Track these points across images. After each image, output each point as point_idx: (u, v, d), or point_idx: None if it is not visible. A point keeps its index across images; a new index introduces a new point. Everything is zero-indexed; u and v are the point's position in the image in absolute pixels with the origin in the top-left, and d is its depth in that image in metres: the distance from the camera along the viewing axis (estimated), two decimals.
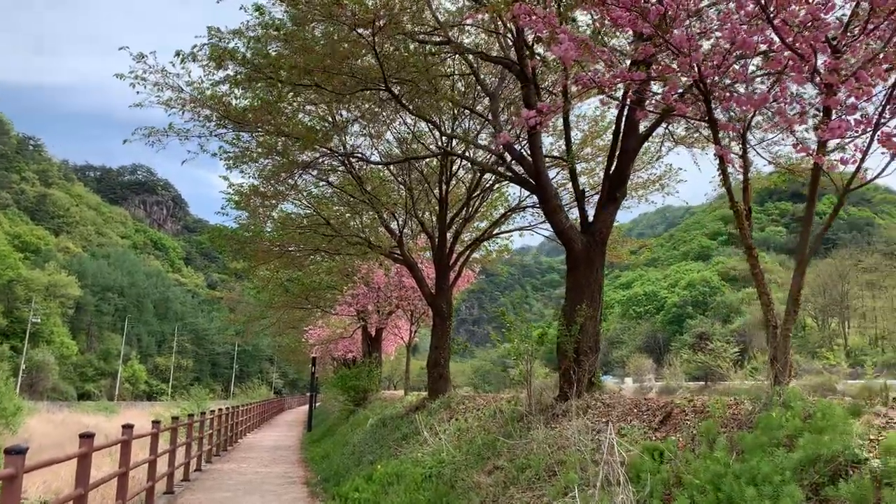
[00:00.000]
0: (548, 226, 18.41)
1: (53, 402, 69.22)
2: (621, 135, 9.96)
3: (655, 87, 6.91)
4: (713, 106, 6.03)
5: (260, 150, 13.69)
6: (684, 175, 15.65)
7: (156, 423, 12.11)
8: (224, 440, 24.22)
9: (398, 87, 10.48)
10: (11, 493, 5.81)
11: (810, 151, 5.54)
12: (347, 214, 19.92)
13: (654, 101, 6.35)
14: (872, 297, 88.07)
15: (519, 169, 10.96)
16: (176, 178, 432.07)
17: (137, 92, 10.56)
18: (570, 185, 13.91)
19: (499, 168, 11.58)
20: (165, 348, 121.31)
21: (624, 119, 9.92)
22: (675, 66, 5.57)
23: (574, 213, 11.87)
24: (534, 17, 5.63)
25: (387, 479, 11.77)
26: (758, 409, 6.01)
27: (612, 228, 11.17)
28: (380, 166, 18.57)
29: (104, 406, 66.79)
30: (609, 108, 9.99)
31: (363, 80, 9.57)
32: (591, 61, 5.60)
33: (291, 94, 10.29)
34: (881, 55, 5.08)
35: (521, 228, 18.41)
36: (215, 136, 11.87)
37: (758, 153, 7.88)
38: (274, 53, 9.25)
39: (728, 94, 5.63)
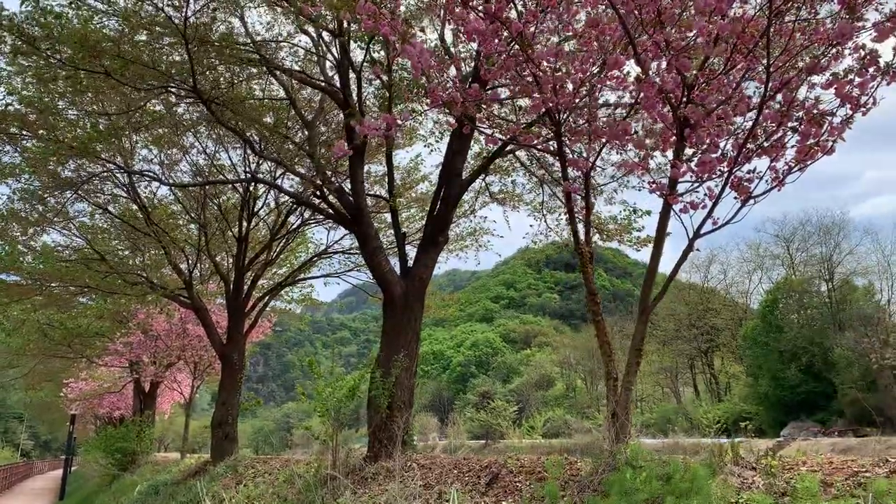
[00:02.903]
0: (355, 273, 17.64)
1: None
2: (447, 176, 9.47)
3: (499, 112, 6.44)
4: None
5: (24, 164, 11.50)
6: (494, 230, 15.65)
7: None
8: None
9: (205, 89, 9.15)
10: None
11: (664, 191, 5.26)
12: (127, 252, 17.65)
13: (500, 128, 5.87)
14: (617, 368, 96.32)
15: (336, 203, 10.06)
16: None
17: None
18: (389, 230, 13.28)
19: (314, 200, 10.59)
20: None
21: (450, 160, 9.46)
22: (531, 88, 5.06)
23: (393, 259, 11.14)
24: (381, 21, 4.88)
25: None
26: (601, 470, 5.50)
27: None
28: (170, 199, 16.75)
29: None
30: (430, 153, 9.51)
31: (166, 75, 8.18)
32: (443, 69, 4.94)
33: (71, 82, 8.54)
34: (736, 96, 4.91)
35: (327, 275, 17.33)
36: None
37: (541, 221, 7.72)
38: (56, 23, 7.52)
39: (586, 122, 5.23)
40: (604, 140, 5.64)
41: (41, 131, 9.65)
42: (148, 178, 13.20)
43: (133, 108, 10.20)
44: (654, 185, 5.30)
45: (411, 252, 10.33)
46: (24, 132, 10.05)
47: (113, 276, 16.13)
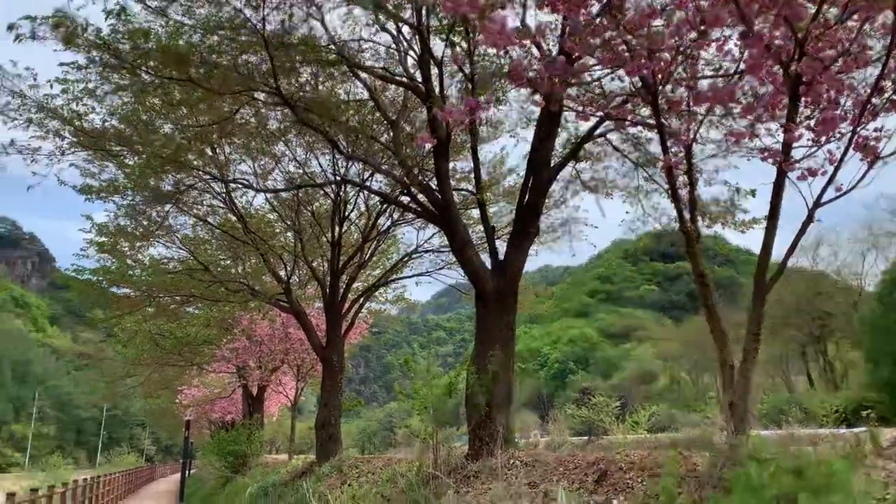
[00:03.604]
0: (446, 272, 17.56)
1: None
2: (534, 164, 9.16)
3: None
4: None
5: (126, 180, 11.99)
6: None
7: None
8: None
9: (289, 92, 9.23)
10: None
11: (777, 158, 4.80)
12: (229, 261, 18.21)
13: (591, 104, 5.55)
14: (741, 351, 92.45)
15: (423, 200, 9.93)
16: (43, 233, 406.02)
17: None
18: (477, 226, 13.06)
19: (402, 199, 10.52)
20: (24, 415, 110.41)
21: (538, 147, 9.15)
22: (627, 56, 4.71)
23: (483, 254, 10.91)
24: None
25: None
26: (721, 465, 5.08)
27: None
28: (266, 208, 17.14)
29: None
30: (515, 145, 9.24)
31: (248, 77, 8.27)
32: (526, 45, 4.67)
33: (162, 94, 8.79)
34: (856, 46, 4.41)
35: (419, 275, 17.35)
36: (69, 156, 10.15)
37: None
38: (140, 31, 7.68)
39: (688, 86, 4.82)
40: (706, 109, 5.23)
41: (138, 146, 10.00)
42: (242, 186, 13.52)
43: (223, 119, 10.41)
44: (766, 153, 4.85)
45: (502, 248, 10.05)
46: (123, 149, 10.45)
47: (216, 284, 16.68)
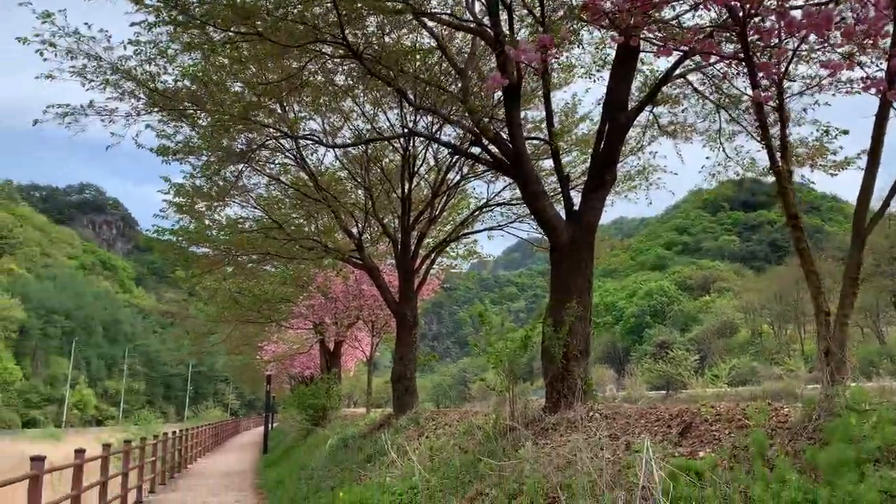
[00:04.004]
0: (518, 225, 17.34)
1: None
2: (610, 108, 8.80)
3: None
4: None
5: (200, 140, 12.18)
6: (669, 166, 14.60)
7: (79, 451, 10.51)
8: (172, 466, 22.37)
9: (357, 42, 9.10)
10: None
11: (881, 87, 4.39)
12: (302, 220, 18.44)
13: (673, 39, 5.20)
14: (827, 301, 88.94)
15: (494, 151, 9.72)
16: (125, 198, 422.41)
17: (45, 59, 9.04)
18: (550, 177, 12.75)
19: (472, 150, 10.32)
20: (116, 371, 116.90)
21: (613, 89, 8.77)
22: None
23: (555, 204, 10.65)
24: None
25: None
26: (815, 416, 4.81)
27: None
28: (336, 166, 17.20)
29: (49, 433, 63.37)
30: (586, 91, 8.85)
31: (315, 28, 8.18)
32: None
33: (231, 51, 8.82)
34: None
35: (490, 228, 17.18)
36: (144, 117, 10.35)
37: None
38: None
39: (780, 13, 4.44)
40: (799, 39, 4.83)
41: (209, 106, 10.10)
42: (312, 142, 13.54)
43: (291, 76, 10.39)
44: (868, 82, 4.45)
45: (576, 199, 9.76)
46: (195, 108, 10.57)
47: (290, 243, 16.96)
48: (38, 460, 8.27)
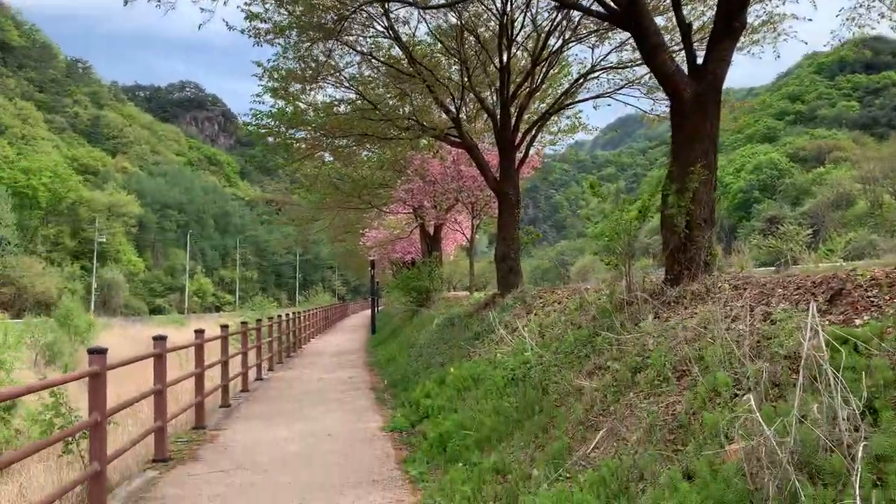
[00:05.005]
0: (628, 91, 16.21)
1: (126, 318, 71.19)
2: None
3: None
4: None
5: (289, 17, 11.69)
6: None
7: (199, 331, 10.89)
8: (287, 347, 23.44)
9: None
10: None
11: None
12: (396, 100, 17.91)
13: None
14: None
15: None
16: (224, 93, 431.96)
17: None
18: (668, 34, 11.62)
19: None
20: (229, 261, 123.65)
21: None
22: None
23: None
24: None
25: (461, 382, 10.31)
26: None
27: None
28: (429, 40, 16.37)
29: (174, 319, 68.25)
30: None
31: None
32: None
33: None
34: None
35: (596, 97, 16.08)
36: None
37: None
38: None
39: None
40: None
41: None
42: (401, 2, 12.71)
43: None
44: None
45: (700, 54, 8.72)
46: None
47: (386, 123, 16.56)
48: (160, 339, 8.50)
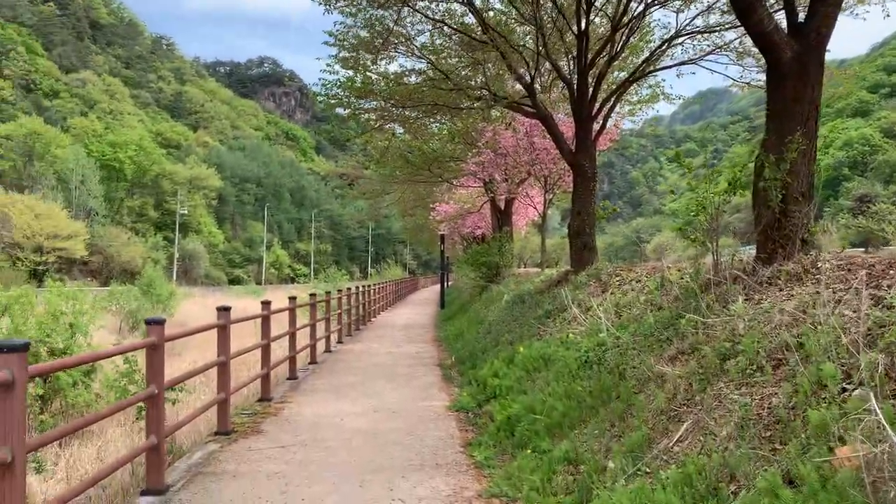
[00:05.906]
0: (714, 58, 15.23)
1: (207, 287, 73.59)
2: None
3: None
4: None
5: None
6: None
7: (265, 303, 10.79)
8: (357, 319, 23.46)
9: None
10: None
11: None
12: (468, 70, 17.38)
13: None
14: None
15: None
16: (300, 70, 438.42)
17: None
18: None
19: None
20: (304, 234, 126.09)
21: None
22: None
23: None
24: None
25: (531, 363, 9.88)
26: None
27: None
28: (500, 6, 15.75)
29: (252, 289, 70.07)
30: None
31: None
32: None
33: None
34: None
35: (680, 63, 15.13)
36: None
37: None
38: None
39: None
40: None
41: None
42: None
43: None
44: None
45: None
46: None
47: (458, 92, 16.08)
48: (224, 310, 8.39)
